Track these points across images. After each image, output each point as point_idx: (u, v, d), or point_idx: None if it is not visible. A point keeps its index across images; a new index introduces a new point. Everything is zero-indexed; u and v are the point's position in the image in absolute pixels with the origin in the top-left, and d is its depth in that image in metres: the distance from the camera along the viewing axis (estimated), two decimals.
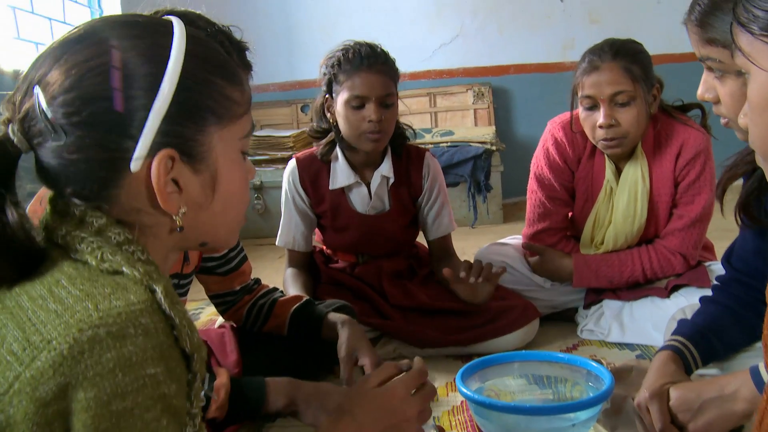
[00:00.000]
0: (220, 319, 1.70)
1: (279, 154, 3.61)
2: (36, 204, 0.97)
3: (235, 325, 1.58)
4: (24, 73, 0.68)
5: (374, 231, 1.82)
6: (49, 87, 0.64)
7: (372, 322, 1.70)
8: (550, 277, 1.87)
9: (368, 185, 1.81)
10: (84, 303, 0.59)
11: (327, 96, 1.76)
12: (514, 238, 2.04)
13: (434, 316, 1.72)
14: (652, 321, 1.69)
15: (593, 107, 1.68)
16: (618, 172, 1.79)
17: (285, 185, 1.85)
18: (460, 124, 4.22)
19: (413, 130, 1.88)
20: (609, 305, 1.79)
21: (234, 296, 1.55)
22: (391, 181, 1.81)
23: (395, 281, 1.82)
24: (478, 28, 4.30)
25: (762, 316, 0.73)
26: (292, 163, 1.84)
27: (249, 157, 0.80)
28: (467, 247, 2.68)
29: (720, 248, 1.57)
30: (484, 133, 3.81)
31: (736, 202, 1.16)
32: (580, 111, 1.71)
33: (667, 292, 1.73)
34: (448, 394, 1.46)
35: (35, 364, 0.57)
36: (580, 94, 1.69)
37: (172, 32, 0.70)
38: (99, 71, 0.64)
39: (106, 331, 0.58)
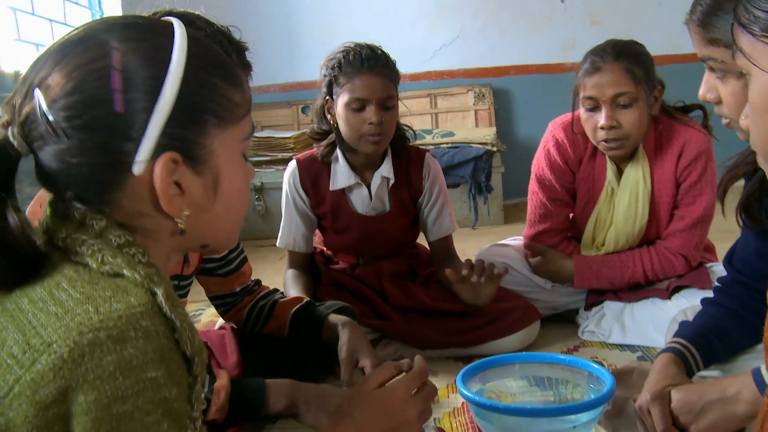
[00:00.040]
0: (221, 321, 1.70)
1: (280, 156, 3.61)
2: (36, 206, 0.97)
3: (235, 326, 1.58)
4: (23, 75, 0.68)
5: (375, 232, 1.82)
6: (50, 90, 0.64)
7: (372, 323, 1.70)
8: (551, 278, 1.87)
9: (368, 186, 1.81)
10: (84, 306, 0.59)
11: (327, 98, 1.76)
12: (515, 239, 2.04)
13: (435, 318, 1.72)
14: (653, 322, 1.69)
15: (595, 108, 1.67)
16: (619, 173, 1.78)
17: (285, 186, 1.85)
18: (461, 125, 4.22)
19: (413, 131, 1.88)
20: (610, 306, 1.79)
21: (234, 297, 1.55)
22: (392, 182, 1.81)
23: (396, 281, 1.82)
24: (478, 29, 4.30)
25: (763, 317, 0.73)
26: (293, 164, 1.84)
27: (249, 159, 0.80)
28: (468, 248, 2.68)
29: (721, 249, 1.57)
30: (485, 134, 3.81)
31: (737, 203, 1.16)
32: (582, 112, 1.71)
33: (669, 294, 1.73)
34: (448, 396, 1.46)
35: (35, 367, 0.57)
36: (581, 95, 1.69)
37: (173, 34, 0.70)
38: (101, 74, 0.64)
39: (106, 334, 0.57)
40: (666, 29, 3.53)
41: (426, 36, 4.31)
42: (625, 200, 1.76)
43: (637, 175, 1.75)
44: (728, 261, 1.28)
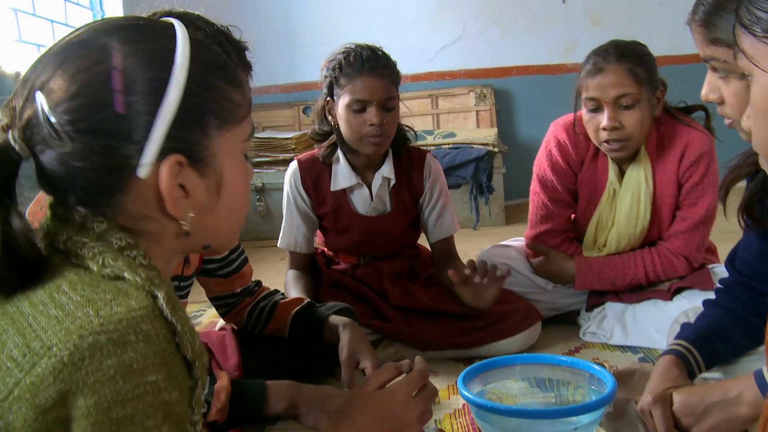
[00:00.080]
0: (221, 322, 1.70)
1: (281, 156, 3.61)
2: (35, 207, 0.97)
3: (236, 327, 1.57)
4: (23, 77, 0.67)
5: (375, 232, 1.82)
6: (53, 93, 0.64)
7: (373, 324, 1.70)
8: (552, 279, 1.87)
9: (369, 186, 1.81)
10: (85, 309, 0.59)
11: (328, 99, 1.76)
12: (517, 240, 2.04)
13: (436, 319, 1.72)
14: (655, 324, 1.68)
15: (597, 109, 1.67)
16: (621, 174, 1.78)
17: (287, 187, 1.85)
18: (462, 125, 4.22)
19: (414, 132, 1.88)
20: (611, 308, 1.79)
21: (235, 298, 1.55)
22: (393, 182, 1.81)
23: (397, 282, 1.82)
24: (480, 30, 4.29)
25: (765, 319, 0.73)
26: (294, 164, 1.84)
27: (250, 159, 0.80)
28: (469, 249, 2.68)
29: (723, 250, 1.56)
30: (486, 134, 3.81)
31: (739, 204, 1.16)
32: (584, 113, 1.71)
33: (670, 295, 1.72)
34: (449, 397, 1.45)
35: (35, 370, 0.56)
36: (583, 95, 1.69)
37: (175, 36, 0.69)
38: (104, 77, 0.64)
39: (106, 338, 0.57)
40: (667, 30, 3.52)
41: (427, 37, 4.31)
42: (626, 201, 1.76)
43: (639, 176, 1.74)
44: (730, 262, 1.28)
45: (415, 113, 4.10)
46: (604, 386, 1.11)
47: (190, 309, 2.26)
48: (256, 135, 3.74)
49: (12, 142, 0.65)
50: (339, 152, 1.79)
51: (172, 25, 0.71)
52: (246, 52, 1.25)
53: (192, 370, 0.64)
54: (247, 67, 1.27)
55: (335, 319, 1.48)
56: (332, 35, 3.96)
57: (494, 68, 4.29)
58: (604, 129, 1.66)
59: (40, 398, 0.56)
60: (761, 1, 0.69)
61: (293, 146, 3.62)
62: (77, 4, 3.42)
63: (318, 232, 1.92)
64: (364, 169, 1.81)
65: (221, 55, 0.74)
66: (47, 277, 0.64)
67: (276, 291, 1.62)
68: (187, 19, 1.12)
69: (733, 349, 1.22)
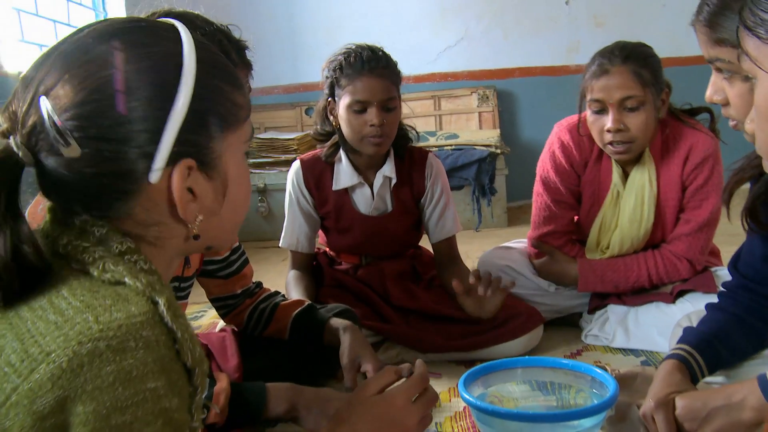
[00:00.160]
0: (222, 323, 1.70)
1: (283, 157, 3.61)
2: (34, 209, 0.96)
3: (236, 329, 1.57)
4: (22, 79, 0.66)
5: (377, 232, 1.82)
6: (59, 100, 0.63)
7: (374, 325, 1.70)
8: (555, 281, 1.86)
9: (371, 186, 1.81)
10: (84, 315, 0.58)
11: (329, 99, 1.76)
12: (519, 241, 2.03)
13: (437, 321, 1.71)
14: (657, 327, 1.67)
15: (601, 111, 1.66)
16: (625, 175, 1.77)
17: (289, 187, 1.85)
18: (465, 127, 4.21)
19: (416, 132, 1.88)
20: (614, 310, 1.78)
21: (235, 300, 1.54)
22: (394, 181, 1.81)
23: (398, 282, 1.82)
24: (482, 31, 4.29)
25: None
26: (296, 164, 1.85)
27: (252, 160, 0.80)
28: (471, 250, 2.67)
29: (726, 253, 1.56)
30: (489, 136, 3.80)
31: (742, 207, 1.15)
32: (588, 114, 1.70)
33: (673, 298, 1.71)
34: (450, 400, 1.45)
35: (33, 376, 0.56)
36: (588, 97, 1.68)
37: (180, 39, 0.69)
38: (113, 83, 0.63)
39: (106, 344, 0.57)
40: (670, 31, 3.51)
41: (430, 38, 4.30)
42: (630, 203, 1.75)
43: (643, 178, 1.74)
44: (733, 266, 1.27)
45: (417, 114, 4.10)
46: (606, 390, 1.11)
47: (191, 310, 2.26)
48: (258, 136, 3.74)
49: (15, 148, 0.64)
50: (341, 152, 1.80)
51: (175, 28, 0.71)
52: (246, 51, 1.25)
53: (192, 377, 0.63)
54: (248, 66, 1.26)
55: (336, 321, 1.48)
56: (335, 36, 3.96)
57: (497, 69, 4.29)
58: (608, 131, 1.65)
59: (38, 404, 0.55)
60: (765, 2, 0.69)
61: (295, 147, 3.62)
62: (80, 4, 3.43)
63: (320, 232, 1.92)
64: (366, 169, 1.81)
65: (223, 57, 0.75)
66: (47, 282, 0.63)
67: (276, 293, 1.61)
68: (187, 19, 1.12)
69: (736, 353, 1.21)
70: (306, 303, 1.55)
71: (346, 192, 1.82)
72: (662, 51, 1.72)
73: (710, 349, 1.18)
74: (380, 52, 1.70)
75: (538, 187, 1.87)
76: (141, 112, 0.64)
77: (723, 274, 1.68)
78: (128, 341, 0.57)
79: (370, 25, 4.20)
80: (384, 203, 1.83)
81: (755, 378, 1.00)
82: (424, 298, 1.77)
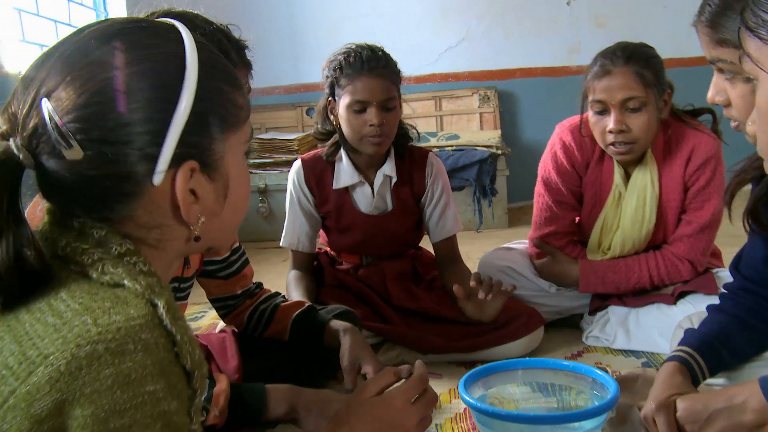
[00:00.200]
0: (222, 324, 1.70)
1: (284, 158, 3.61)
2: (32, 210, 0.96)
3: (236, 329, 1.57)
4: (22, 80, 0.66)
5: (377, 231, 1.82)
6: (62, 102, 0.62)
7: (374, 326, 1.69)
8: (556, 282, 1.85)
9: (372, 185, 1.81)
10: (83, 317, 0.58)
11: (330, 98, 1.77)
12: (520, 242, 2.03)
13: (438, 322, 1.71)
14: (658, 328, 1.67)
15: (603, 112, 1.66)
16: (627, 176, 1.77)
17: (290, 186, 1.85)
18: (466, 127, 4.21)
19: (417, 131, 1.88)
20: (615, 311, 1.77)
21: (235, 300, 1.54)
22: (394, 180, 1.81)
23: (399, 282, 1.81)
24: (483, 32, 4.28)
25: None
26: (298, 163, 1.85)
27: (253, 160, 0.81)
28: (472, 251, 2.67)
29: (727, 254, 1.55)
30: (490, 136, 3.80)
31: (744, 208, 1.15)
32: (590, 115, 1.70)
33: (674, 299, 1.71)
34: (451, 401, 1.44)
35: (31, 379, 0.56)
36: (590, 98, 1.67)
37: (182, 40, 0.69)
38: (115, 85, 0.63)
39: (104, 347, 0.56)
40: (672, 32, 3.51)
41: (431, 38, 4.30)
42: (632, 204, 1.75)
43: (645, 179, 1.73)
44: (735, 267, 1.27)
45: (418, 115, 4.09)
46: (607, 391, 1.10)
47: (191, 310, 2.26)
48: (259, 136, 3.74)
49: (15, 150, 0.63)
50: (342, 151, 1.80)
51: (176, 29, 0.70)
52: (246, 51, 1.25)
53: (191, 379, 0.63)
54: (247, 65, 1.26)
55: (336, 323, 1.47)
56: (336, 37, 3.95)
57: (498, 70, 4.28)
58: (610, 132, 1.65)
59: (36, 408, 0.55)
60: (767, 3, 0.68)
61: (296, 147, 3.61)
62: (81, 4, 3.43)
63: (321, 232, 1.91)
64: (367, 168, 1.81)
65: (222, 58, 0.75)
66: (46, 285, 0.63)
67: (277, 294, 1.61)
68: (186, 18, 1.12)
69: (737, 355, 1.20)
70: (306, 304, 1.55)
71: (347, 191, 1.82)
72: (663, 52, 1.72)
73: (711, 351, 1.18)
74: (380, 52, 1.70)
75: (539, 187, 1.87)
76: (143, 114, 0.64)
77: (724, 275, 1.68)
78: (127, 344, 0.57)
79: (371, 25, 4.19)
80: (384, 202, 1.83)
81: (757, 380, 0.99)
82: (425, 298, 1.77)
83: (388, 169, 1.80)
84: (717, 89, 1.06)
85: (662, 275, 1.74)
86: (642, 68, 1.61)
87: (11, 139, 0.64)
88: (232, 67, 0.75)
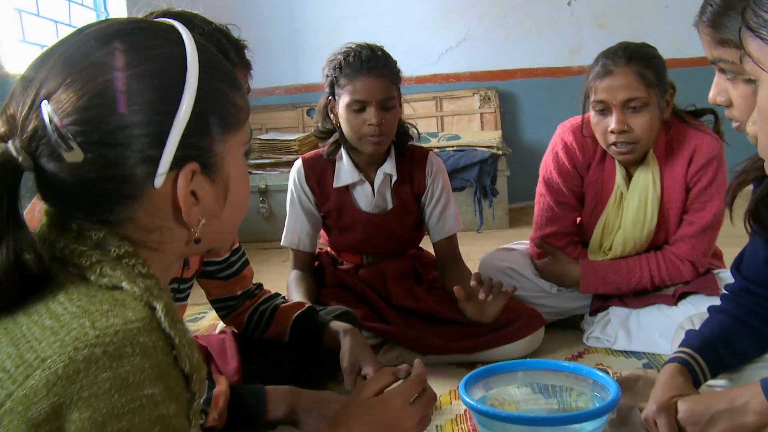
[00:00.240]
0: (221, 325, 1.69)
1: (284, 158, 3.60)
2: (30, 213, 0.96)
3: (236, 330, 1.57)
4: (20, 81, 0.65)
5: (378, 230, 1.82)
6: (62, 104, 0.62)
7: (375, 327, 1.69)
8: (557, 282, 1.85)
9: (372, 183, 1.81)
10: (81, 320, 0.58)
11: (330, 97, 1.77)
12: (521, 243, 2.03)
13: (438, 323, 1.71)
14: (659, 329, 1.66)
15: (605, 112, 1.65)
16: (629, 177, 1.77)
17: (291, 185, 1.86)
18: (467, 128, 4.21)
19: (417, 130, 1.88)
20: (615, 312, 1.77)
21: (235, 301, 1.54)
22: (394, 178, 1.81)
23: (400, 282, 1.81)
24: (484, 32, 4.28)
25: None
26: (298, 162, 1.85)
27: (253, 161, 0.80)
28: (473, 252, 2.67)
29: (729, 255, 1.55)
30: (491, 137, 3.80)
31: (745, 209, 1.14)
32: (592, 115, 1.69)
33: (675, 300, 1.71)
34: (451, 403, 1.44)
35: (29, 382, 0.55)
36: (592, 98, 1.67)
37: (182, 41, 0.69)
38: (116, 87, 0.63)
39: (102, 351, 0.56)
40: (673, 32, 3.50)
41: (432, 39, 4.30)
42: (633, 204, 1.74)
43: (646, 179, 1.73)
44: (736, 268, 1.26)
45: (419, 115, 4.09)
46: (608, 393, 1.10)
47: (191, 311, 2.25)
48: (259, 136, 3.74)
49: (14, 153, 0.63)
50: (342, 150, 1.80)
51: (176, 29, 0.70)
52: (246, 51, 1.24)
53: (190, 382, 0.62)
54: (247, 65, 1.26)
55: (336, 324, 1.47)
56: (336, 37, 3.95)
57: (499, 71, 4.28)
58: (612, 132, 1.64)
59: (33, 411, 0.55)
60: None
61: (297, 148, 3.61)
62: (81, 4, 3.43)
63: (322, 232, 1.91)
64: (367, 166, 1.81)
65: (222, 58, 0.74)
66: (44, 287, 0.63)
67: (277, 294, 1.61)
68: (185, 18, 1.11)
69: (739, 356, 1.20)
70: (306, 305, 1.55)
71: (347, 189, 1.82)
72: (665, 52, 1.72)
73: (713, 353, 1.18)
74: (379, 52, 1.70)
75: (540, 188, 1.87)
76: (144, 116, 0.63)
77: (725, 276, 1.67)
78: (125, 347, 0.57)
79: (371, 25, 4.19)
80: (384, 201, 1.83)
81: (758, 381, 0.99)
82: (426, 298, 1.77)
83: (389, 167, 1.80)
84: (718, 89, 1.06)
85: (663, 276, 1.73)
86: (644, 68, 1.61)
87: (10, 142, 0.64)
88: (232, 68, 0.75)
